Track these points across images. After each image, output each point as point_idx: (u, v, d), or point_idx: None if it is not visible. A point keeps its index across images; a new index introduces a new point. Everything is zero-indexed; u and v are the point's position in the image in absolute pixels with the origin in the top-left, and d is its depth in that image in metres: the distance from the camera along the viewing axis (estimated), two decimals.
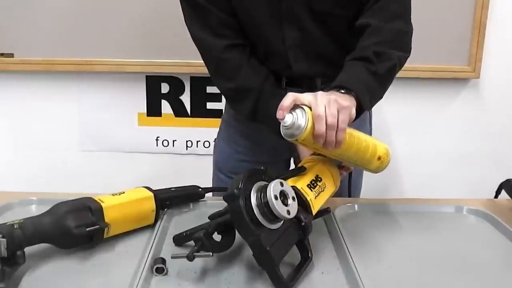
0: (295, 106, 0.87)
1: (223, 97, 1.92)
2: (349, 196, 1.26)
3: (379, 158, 0.97)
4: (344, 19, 1.07)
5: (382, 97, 1.03)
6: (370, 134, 1.29)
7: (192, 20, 1.10)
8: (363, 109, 0.95)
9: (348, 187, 1.27)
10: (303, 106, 0.86)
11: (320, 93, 0.88)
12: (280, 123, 0.87)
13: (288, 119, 0.85)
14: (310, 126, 0.85)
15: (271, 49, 1.11)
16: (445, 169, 2.05)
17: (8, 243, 0.76)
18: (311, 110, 0.86)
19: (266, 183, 0.81)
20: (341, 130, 0.86)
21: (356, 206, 1.11)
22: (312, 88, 0.93)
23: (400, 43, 1.05)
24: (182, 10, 1.11)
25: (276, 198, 0.77)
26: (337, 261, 0.89)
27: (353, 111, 0.90)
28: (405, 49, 1.06)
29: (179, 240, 0.93)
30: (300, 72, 1.12)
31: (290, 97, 0.86)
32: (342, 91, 0.92)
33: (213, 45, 1.09)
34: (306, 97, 0.87)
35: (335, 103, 0.86)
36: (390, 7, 1.04)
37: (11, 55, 1.87)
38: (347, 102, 0.89)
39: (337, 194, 1.11)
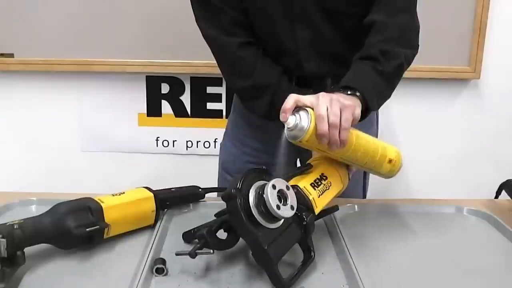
0: (297, 108, 0.87)
1: (223, 97, 1.97)
2: (364, 197, 1.26)
3: (390, 161, 0.97)
4: (356, 18, 1.07)
5: (389, 97, 1.04)
6: (377, 135, 1.29)
7: (204, 20, 1.10)
8: (370, 109, 0.95)
9: (363, 188, 1.27)
10: (306, 108, 0.86)
11: (322, 93, 0.88)
12: None
13: (291, 120, 0.86)
14: (312, 127, 0.85)
15: (282, 48, 1.11)
16: (445, 170, 2.05)
17: (8, 243, 0.76)
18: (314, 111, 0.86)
19: (265, 182, 0.80)
20: (344, 129, 0.86)
21: (356, 206, 1.11)
22: (322, 88, 0.93)
23: (406, 39, 1.05)
24: (193, 10, 1.11)
25: (273, 197, 0.77)
26: (337, 261, 0.89)
27: (357, 110, 0.90)
28: (412, 46, 1.06)
29: (188, 237, 0.93)
30: (311, 71, 1.12)
31: (292, 99, 0.86)
32: (348, 92, 0.93)
33: (227, 43, 1.09)
34: (308, 98, 0.87)
35: (337, 102, 0.86)
36: (396, 2, 1.04)
37: (11, 55, 1.87)
38: (350, 101, 0.89)
39: (350, 194, 1.11)
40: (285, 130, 0.87)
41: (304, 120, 0.85)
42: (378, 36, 1.02)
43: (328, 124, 0.84)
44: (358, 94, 0.93)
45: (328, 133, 0.85)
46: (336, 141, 0.86)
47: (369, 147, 0.94)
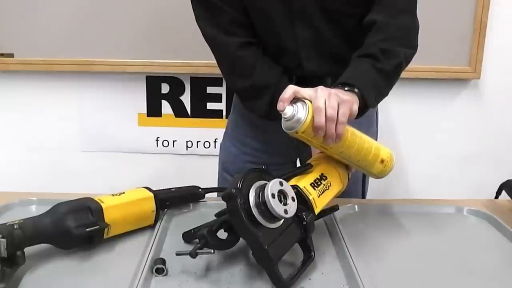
0: (295, 99, 0.88)
1: (223, 97, 1.97)
2: (363, 197, 1.26)
3: (382, 161, 0.97)
4: (355, 18, 1.07)
5: (387, 95, 1.04)
6: (377, 135, 1.29)
7: (203, 19, 1.10)
8: (367, 106, 0.95)
9: (362, 189, 1.27)
10: (304, 100, 0.87)
11: (320, 87, 0.88)
12: None
13: (288, 111, 0.86)
14: (309, 118, 0.85)
15: (282, 47, 1.11)
16: (445, 170, 2.05)
17: (8, 243, 0.76)
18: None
19: (265, 182, 0.81)
20: (340, 123, 0.86)
21: (356, 206, 1.11)
22: None
23: (406, 39, 1.06)
24: (193, 9, 1.11)
25: (273, 197, 0.77)
26: (338, 261, 0.89)
27: (355, 106, 0.90)
28: (411, 46, 1.07)
29: (188, 237, 0.93)
30: (311, 71, 1.12)
31: (290, 90, 0.88)
32: (346, 88, 0.93)
33: (227, 43, 1.09)
34: (306, 91, 0.88)
35: (335, 96, 0.87)
36: (397, 3, 1.05)
37: (11, 55, 1.87)
38: (348, 97, 0.90)
39: (350, 194, 1.11)
40: (282, 121, 0.88)
41: (301, 111, 0.86)
42: (378, 35, 1.03)
43: (325, 117, 0.85)
44: (356, 90, 0.94)
45: (325, 126, 0.85)
46: (332, 135, 0.86)
47: (363, 145, 0.94)
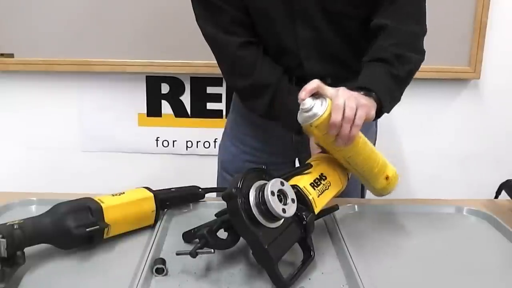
0: (317, 95, 0.88)
1: (223, 97, 1.97)
2: (362, 197, 1.26)
3: (387, 178, 0.98)
4: (356, 20, 1.07)
5: (399, 100, 1.05)
6: (376, 135, 1.29)
7: (204, 18, 1.10)
8: (382, 111, 0.96)
9: (361, 188, 1.27)
10: (325, 97, 0.87)
11: (342, 88, 0.89)
12: (295, 119, 0.89)
13: (307, 101, 0.87)
14: (327, 114, 0.86)
15: (283, 47, 1.11)
16: (445, 170, 2.05)
17: (8, 243, 0.76)
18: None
19: (266, 182, 0.81)
20: (356, 126, 0.87)
21: (356, 206, 1.11)
22: None
23: (416, 45, 1.07)
24: (193, 9, 1.11)
25: (273, 197, 0.77)
26: (337, 261, 0.89)
27: (372, 111, 0.91)
28: (420, 52, 1.07)
29: (188, 237, 0.93)
30: (311, 71, 1.12)
31: (315, 83, 0.87)
32: (363, 93, 0.94)
33: (228, 42, 1.09)
34: (329, 89, 0.88)
35: (354, 99, 0.88)
36: (405, 9, 1.05)
37: (11, 55, 1.87)
38: (366, 101, 0.91)
39: (349, 194, 1.11)
40: (299, 112, 0.88)
41: (319, 105, 0.87)
42: (390, 39, 1.03)
43: (343, 116, 0.85)
44: (374, 95, 0.94)
45: (341, 124, 0.85)
46: (345, 135, 0.86)
47: (370, 156, 0.95)
